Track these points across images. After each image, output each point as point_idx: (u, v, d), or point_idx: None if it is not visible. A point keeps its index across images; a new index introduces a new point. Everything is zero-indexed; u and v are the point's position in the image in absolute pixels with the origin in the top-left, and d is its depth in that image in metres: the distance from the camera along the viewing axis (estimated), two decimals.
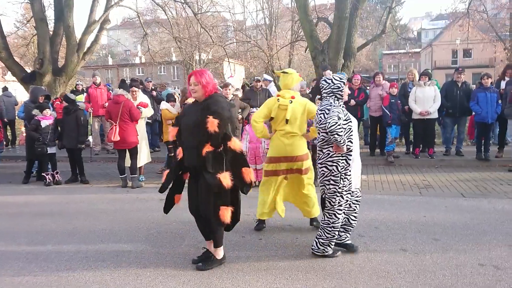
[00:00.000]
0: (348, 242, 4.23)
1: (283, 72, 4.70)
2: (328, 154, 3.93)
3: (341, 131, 3.72)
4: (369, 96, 9.20)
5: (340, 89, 3.95)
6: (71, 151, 7.99)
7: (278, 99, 4.61)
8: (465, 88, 8.70)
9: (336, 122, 3.70)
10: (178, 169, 3.87)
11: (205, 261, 3.93)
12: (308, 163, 4.66)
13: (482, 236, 4.56)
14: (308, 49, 13.82)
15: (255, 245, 4.50)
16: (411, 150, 9.27)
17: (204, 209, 3.73)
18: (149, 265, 4.05)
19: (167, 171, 3.91)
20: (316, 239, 4.11)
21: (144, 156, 7.92)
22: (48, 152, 7.89)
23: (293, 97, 4.55)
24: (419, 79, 8.77)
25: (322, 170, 3.99)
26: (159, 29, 28.29)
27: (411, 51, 47.70)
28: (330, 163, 3.93)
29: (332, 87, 3.96)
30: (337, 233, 4.05)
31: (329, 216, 4.00)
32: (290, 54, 30.97)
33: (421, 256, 4.08)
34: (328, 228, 4.00)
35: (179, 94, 10.66)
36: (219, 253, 3.95)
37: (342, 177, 3.91)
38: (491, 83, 8.36)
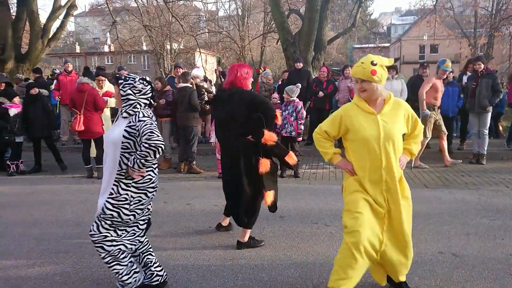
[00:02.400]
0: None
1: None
2: None
3: None
4: (338, 88, 9.32)
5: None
6: (38, 140, 7.79)
7: None
8: None
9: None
10: None
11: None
12: None
13: (442, 225, 4.71)
14: (279, 40, 13.86)
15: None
16: None
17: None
18: None
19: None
20: None
21: None
22: (16, 141, 7.64)
23: None
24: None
25: None
26: (130, 17, 27.63)
27: (380, 46, 48.58)
28: None
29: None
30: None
31: None
32: (262, 45, 30.95)
33: None
34: None
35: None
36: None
37: None
38: (453, 77, 8.61)
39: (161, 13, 20.09)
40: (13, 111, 7.55)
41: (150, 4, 26.13)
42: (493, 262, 3.76)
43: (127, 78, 3.06)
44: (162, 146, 2.90)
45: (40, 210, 5.47)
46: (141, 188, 3.05)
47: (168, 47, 29.05)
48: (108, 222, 3.00)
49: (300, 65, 9.71)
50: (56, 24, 15.10)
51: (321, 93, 8.92)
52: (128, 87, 3.02)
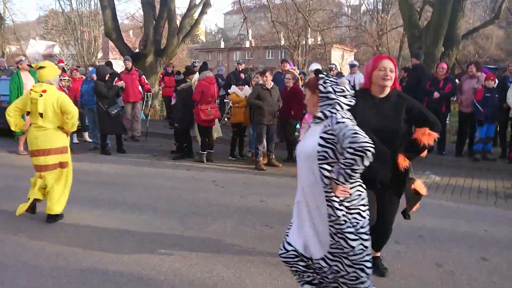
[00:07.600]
0: None
1: (40, 67, 4.63)
2: None
3: None
4: (461, 89, 8.22)
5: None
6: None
7: (30, 92, 4.59)
8: None
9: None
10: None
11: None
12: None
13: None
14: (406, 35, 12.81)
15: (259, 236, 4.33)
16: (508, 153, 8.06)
17: (391, 219, 3.30)
18: (172, 245, 4.15)
19: None
20: None
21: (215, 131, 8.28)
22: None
23: (44, 91, 4.53)
24: None
25: None
26: (268, 13, 28.58)
27: None
28: None
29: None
30: None
31: None
32: (402, 40, 28.96)
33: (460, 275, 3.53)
34: None
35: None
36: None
37: None
38: None
39: (293, 8, 20.19)
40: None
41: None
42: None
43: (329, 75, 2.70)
44: (371, 150, 2.40)
45: (128, 190, 5.96)
46: (352, 207, 2.56)
47: (304, 42, 29.21)
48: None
49: (415, 61, 8.79)
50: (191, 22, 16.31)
51: (436, 94, 7.92)
52: (329, 84, 2.65)
